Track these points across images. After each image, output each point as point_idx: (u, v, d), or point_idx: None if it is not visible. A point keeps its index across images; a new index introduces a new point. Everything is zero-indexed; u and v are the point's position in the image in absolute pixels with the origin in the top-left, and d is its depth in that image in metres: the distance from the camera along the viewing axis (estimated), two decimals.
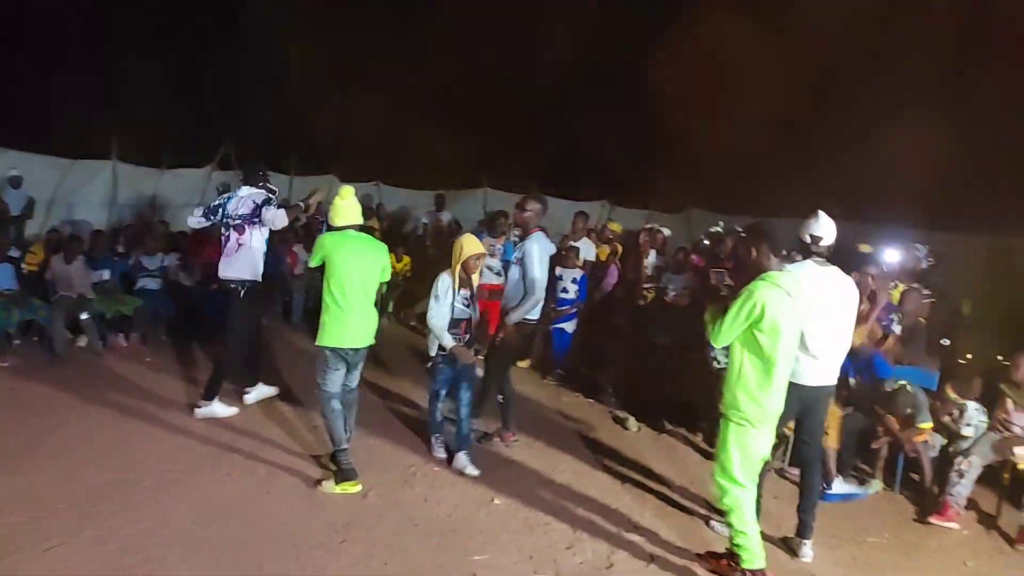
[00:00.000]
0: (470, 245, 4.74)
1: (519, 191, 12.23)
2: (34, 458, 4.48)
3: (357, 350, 4.50)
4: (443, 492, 4.49)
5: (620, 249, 8.17)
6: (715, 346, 3.76)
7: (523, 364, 7.56)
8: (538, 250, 5.03)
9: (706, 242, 8.27)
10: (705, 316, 3.75)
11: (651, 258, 7.89)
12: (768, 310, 3.45)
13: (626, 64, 14.02)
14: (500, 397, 5.43)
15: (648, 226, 8.61)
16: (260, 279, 5.35)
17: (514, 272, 5.13)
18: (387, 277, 4.69)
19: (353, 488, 4.35)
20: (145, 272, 7.66)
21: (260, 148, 11.92)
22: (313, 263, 4.53)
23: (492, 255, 7.58)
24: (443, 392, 4.93)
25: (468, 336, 4.86)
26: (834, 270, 4.05)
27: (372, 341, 4.59)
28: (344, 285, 4.38)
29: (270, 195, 5.38)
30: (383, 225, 10.74)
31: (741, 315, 3.50)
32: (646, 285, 7.47)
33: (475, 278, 4.86)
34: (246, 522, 3.93)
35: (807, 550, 4.09)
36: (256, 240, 5.27)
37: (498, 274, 6.89)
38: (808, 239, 4.04)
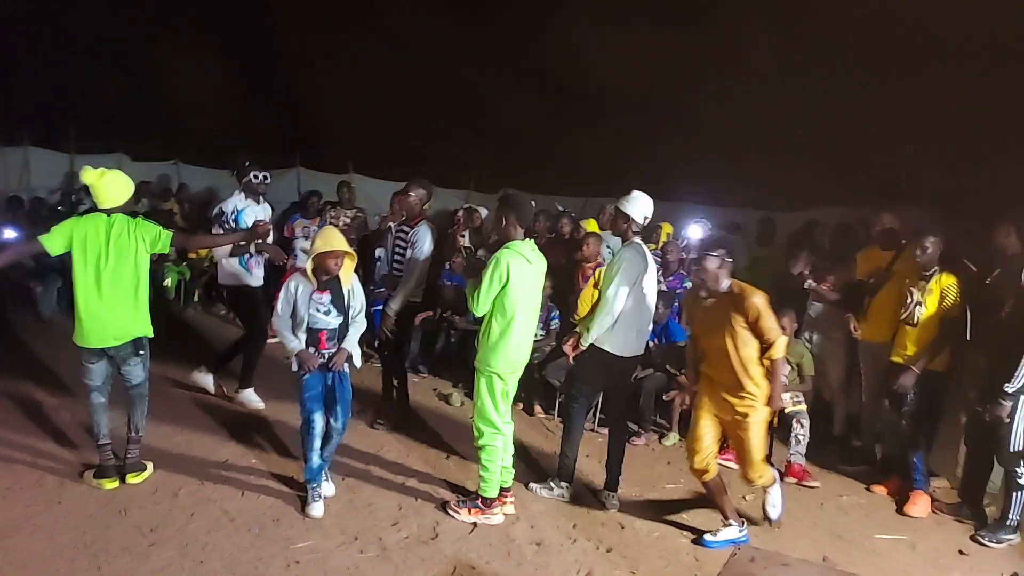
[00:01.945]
0: (323, 241, 3.99)
1: (333, 171, 11.92)
2: None
3: (119, 346, 4.05)
4: (261, 484, 4.35)
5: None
6: (475, 314, 4.09)
7: None
8: (429, 237, 5.14)
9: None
10: (467, 288, 4.10)
11: (466, 238, 8.06)
12: (512, 275, 3.90)
13: (433, 45, 14.05)
14: (395, 381, 5.53)
15: (466, 206, 8.76)
16: (244, 283, 5.53)
17: (407, 255, 5.22)
18: (161, 249, 4.12)
19: (110, 484, 4.10)
20: None
21: (29, 121, 10.58)
22: (53, 249, 3.91)
23: (307, 237, 7.37)
24: (317, 417, 4.03)
25: (329, 352, 4.04)
26: (647, 248, 4.46)
27: (133, 336, 4.07)
28: (91, 276, 3.93)
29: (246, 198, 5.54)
30: (184, 208, 9.99)
31: (493, 282, 3.92)
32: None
33: (346, 278, 4.06)
34: (36, 537, 3.55)
35: (614, 501, 4.49)
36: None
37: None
38: (627, 217, 4.39)
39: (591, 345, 4.36)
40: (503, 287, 3.94)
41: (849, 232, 5.97)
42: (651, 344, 5.82)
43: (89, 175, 4.02)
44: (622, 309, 4.24)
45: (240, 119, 13.59)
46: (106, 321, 3.98)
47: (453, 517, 4.13)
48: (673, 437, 5.67)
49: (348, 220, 7.91)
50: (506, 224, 4.08)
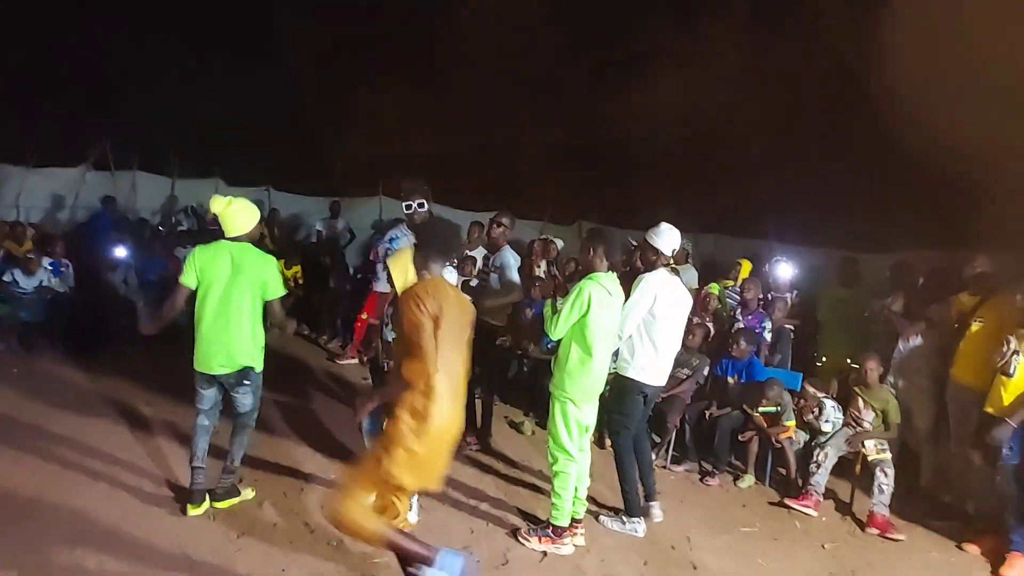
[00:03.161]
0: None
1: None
2: None
3: (228, 374, 4.07)
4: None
5: None
6: (552, 338, 4.17)
7: None
8: (512, 260, 5.45)
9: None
10: (545, 311, 4.20)
11: (542, 268, 8.15)
12: (593, 304, 3.98)
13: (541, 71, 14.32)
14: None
15: (542, 237, 8.88)
16: None
17: (493, 280, 5.51)
18: (275, 294, 4.13)
19: (194, 510, 4.07)
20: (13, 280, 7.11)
21: (137, 148, 11.36)
22: (185, 281, 4.02)
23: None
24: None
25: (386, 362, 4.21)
26: (677, 279, 4.63)
27: (239, 366, 4.06)
28: (205, 302, 4.00)
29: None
30: (274, 232, 10.47)
31: (574, 309, 4.00)
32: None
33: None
34: (133, 537, 3.77)
35: (656, 510, 4.64)
36: None
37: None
38: (656, 250, 4.52)
39: (616, 375, 4.51)
40: (583, 316, 4.01)
41: (943, 275, 5.77)
42: (730, 381, 5.75)
43: (217, 204, 4.07)
44: (632, 333, 4.40)
45: (326, 148, 14.18)
46: (216, 347, 4.00)
47: (523, 544, 4.16)
48: (748, 479, 5.53)
49: None
50: (593, 255, 4.19)
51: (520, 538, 4.20)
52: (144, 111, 13.99)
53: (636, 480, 4.58)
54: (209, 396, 4.15)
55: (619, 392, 4.52)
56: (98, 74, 14.65)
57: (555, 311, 4.09)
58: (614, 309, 4.16)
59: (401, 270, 4.03)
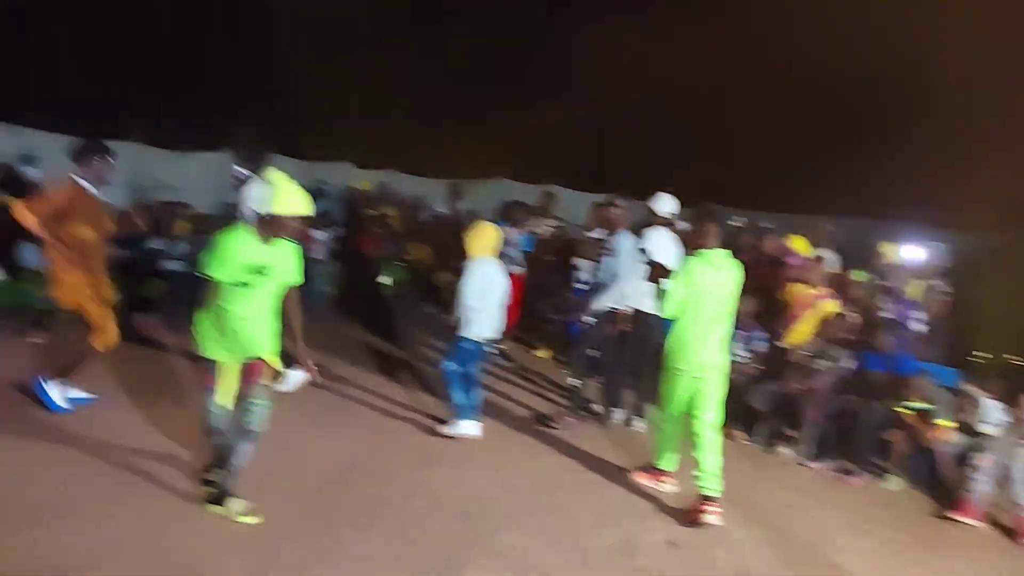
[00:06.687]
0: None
1: (535, 182, 12.25)
2: None
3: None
4: (467, 473, 4.54)
5: None
6: (664, 316, 4.38)
7: (542, 354, 7.60)
8: (630, 244, 5.45)
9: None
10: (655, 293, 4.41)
11: None
12: (697, 279, 4.18)
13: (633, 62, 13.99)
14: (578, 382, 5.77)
15: None
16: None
17: (607, 263, 5.52)
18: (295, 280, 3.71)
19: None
20: (167, 255, 7.67)
21: (272, 132, 11.97)
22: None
23: (511, 244, 7.59)
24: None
25: None
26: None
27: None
28: (241, 291, 3.52)
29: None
30: (399, 214, 10.74)
31: (679, 286, 4.19)
32: None
33: None
34: (274, 501, 3.90)
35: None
36: None
37: (519, 264, 6.97)
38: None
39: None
40: (694, 292, 4.17)
41: None
42: (874, 375, 5.34)
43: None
44: None
45: (450, 133, 14.41)
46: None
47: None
48: (895, 480, 5.12)
49: (552, 228, 8.11)
50: (703, 235, 4.29)
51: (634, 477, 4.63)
52: (280, 97, 14.76)
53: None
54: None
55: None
56: (238, 63, 15.54)
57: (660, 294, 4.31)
58: (720, 283, 4.24)
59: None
